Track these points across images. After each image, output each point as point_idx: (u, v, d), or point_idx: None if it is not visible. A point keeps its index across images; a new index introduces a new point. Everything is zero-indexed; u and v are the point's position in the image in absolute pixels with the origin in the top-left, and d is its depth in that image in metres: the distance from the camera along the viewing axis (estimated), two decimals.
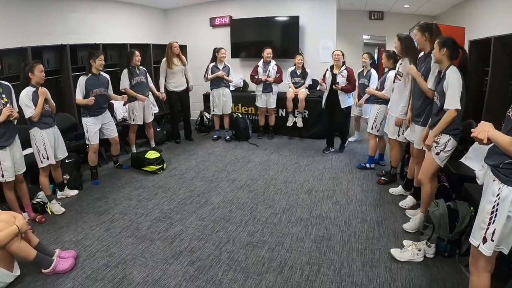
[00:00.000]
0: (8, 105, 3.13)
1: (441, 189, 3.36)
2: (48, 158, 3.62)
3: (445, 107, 2.70)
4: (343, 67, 5.20)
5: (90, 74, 4.27)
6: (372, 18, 8.79)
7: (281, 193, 4.06)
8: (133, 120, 5.24)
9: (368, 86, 5.15)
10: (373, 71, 5.40)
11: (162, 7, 7.80)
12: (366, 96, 5.13)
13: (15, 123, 3.26)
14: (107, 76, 4.53)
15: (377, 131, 4.46)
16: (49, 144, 3.60)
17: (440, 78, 2.81)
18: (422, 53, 3.35)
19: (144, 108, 5.25)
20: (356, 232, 3.18)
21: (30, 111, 3.40)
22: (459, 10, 6.48)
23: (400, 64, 3.79)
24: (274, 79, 5.96)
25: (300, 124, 6.12)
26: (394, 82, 3.90)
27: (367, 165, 4.81)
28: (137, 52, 5.07)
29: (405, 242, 2.89)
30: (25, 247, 2.52)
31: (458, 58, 2.78)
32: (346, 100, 5.26)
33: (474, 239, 1.86)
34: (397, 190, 4.00)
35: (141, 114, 5.24)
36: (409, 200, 3.63)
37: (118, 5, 6.62)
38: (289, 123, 6.12)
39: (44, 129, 3.57)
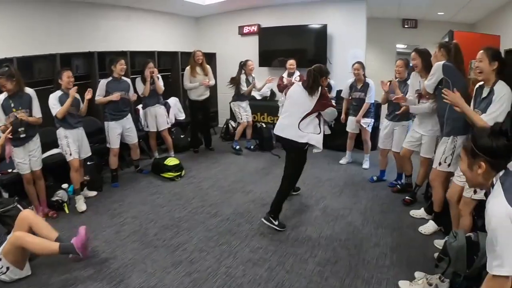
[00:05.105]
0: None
1: None
2: (70, 154, 3.87)
3: (488, 122, 2.45)
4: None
5: (111, 78, 4.47)
6: (406, 26, 8.28)
7: (294, 209, 3.92)
8: (146, 126, 5.37)
9: (364, 100, 4.93)
10: (371, 83, 4.95)
11: (194, 15, 7.94)
12: (363, 111, 4.95)
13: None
14: (129, 80, 4.69)
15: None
16: (72, 142, 3.88)
17: (485, 96, 2.61)
18: None
19: (156, 116, 5.32)
20: (366, 257, 2.95)
21: (55, 110, 3.75)
22: (496, 18, 6.08)
23: (419, 82, 3.59)
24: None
25: (327, 131, 5.92)
26: (419, 102, 3.70)
27: (400, 181, 4.53)
28: (150, 64, 5.11)
29: (417, 274, 2.65)
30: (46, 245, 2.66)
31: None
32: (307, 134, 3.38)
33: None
34: (418, 213, 3.74)
35: (153, 122, 5.31)
36: (430, 225, 3.38)
37: (151, 13, 6.83)
38: None
39: (68, 129, 3.88)
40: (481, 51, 2.56)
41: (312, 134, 3.35)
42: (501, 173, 1.64)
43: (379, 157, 4.73)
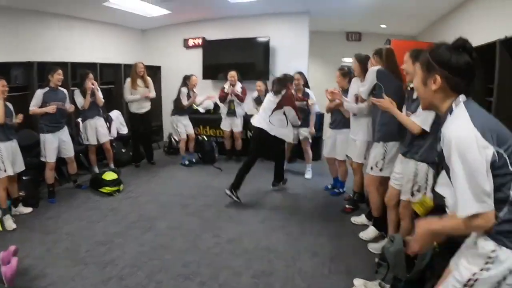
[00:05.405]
0: None
1: None
2: (5, 170, 3.72)
3: (417, 123, 2.51)
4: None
5: (47, 88, 4.41)
6: (350, 39, 8.63)
7: (232, 221, 3.98)
8: (87, 140, 5.29)
9: (303, 109, 5.11)
10: (311, 93, 5.22)
11: (140, 27, 7.95)
12: (313, 123, 5.25)
13: None
14: (65, 90, 4.65)
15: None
16: (5, 157, 3.72)
17: (415, 98, 2.60)
18: None
19: (96, 128, 5.28)
20: (303, 268, 2.98)
21: None
22: (436, 28, 6.49)
23: (359, 86, 3.70)
24: (237, 95, 6.05)
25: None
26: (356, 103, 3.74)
27: (341, 190, 4.76)
28: (91, 75, 5.10)
29: (356, 281, 2.65)
30: None
31: None
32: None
33: None
34: (360, 219, 3.84)
35: (94, 134, 5.27)
36: (371, 230, 3.45)
37: (95, 24, 6.78)
38: None
39: (1, 142, 3.72)
40: (406, 53, 2.62)
41: (279, 128, 4.48)
42: (461, 99, 1.40)
43: (327, 165, 4.87)
